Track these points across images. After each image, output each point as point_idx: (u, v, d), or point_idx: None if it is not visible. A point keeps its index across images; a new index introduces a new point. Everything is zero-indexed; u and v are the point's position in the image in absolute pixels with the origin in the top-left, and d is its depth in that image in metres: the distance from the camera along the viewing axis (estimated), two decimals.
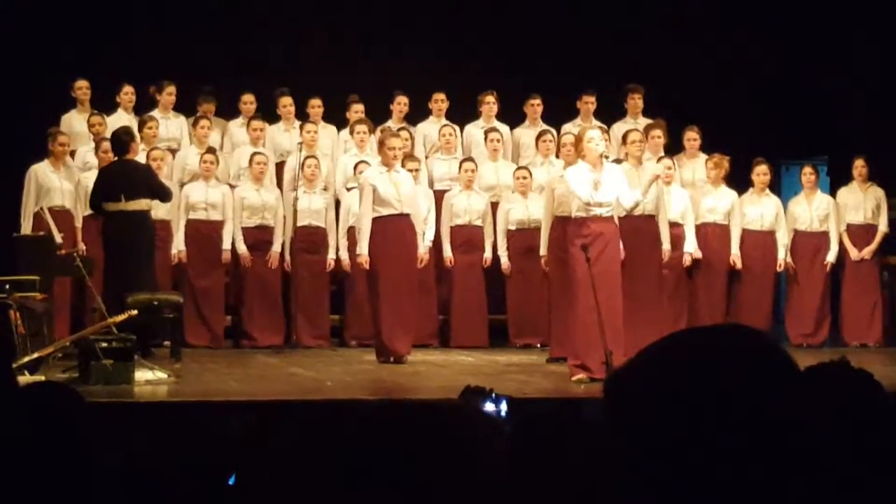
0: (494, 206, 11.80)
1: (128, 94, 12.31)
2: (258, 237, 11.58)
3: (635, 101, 12.62)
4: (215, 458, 3.37)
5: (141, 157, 11.02)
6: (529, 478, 2.20)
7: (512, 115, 12.68)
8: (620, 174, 9.14)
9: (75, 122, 12.07)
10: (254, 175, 11.60)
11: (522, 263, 11.43)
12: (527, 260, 11.27)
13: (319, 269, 11.64)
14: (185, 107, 12.53)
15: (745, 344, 1.67)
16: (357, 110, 12.43)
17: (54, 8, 12.63)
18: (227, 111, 12.64)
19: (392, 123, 12.46)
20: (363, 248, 10.00)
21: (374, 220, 9.98)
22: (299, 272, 11.57)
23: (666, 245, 10.40)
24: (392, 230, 9.97)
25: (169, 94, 12.34)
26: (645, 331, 9.20)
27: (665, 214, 10.46)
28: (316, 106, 12.46)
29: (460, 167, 11.81)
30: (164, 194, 10.46)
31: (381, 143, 10.37)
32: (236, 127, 12.53)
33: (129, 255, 10.03)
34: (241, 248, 11.52)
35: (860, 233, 12.13)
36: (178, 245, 11.45)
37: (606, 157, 9.05)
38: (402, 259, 10.00)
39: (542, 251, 10.23)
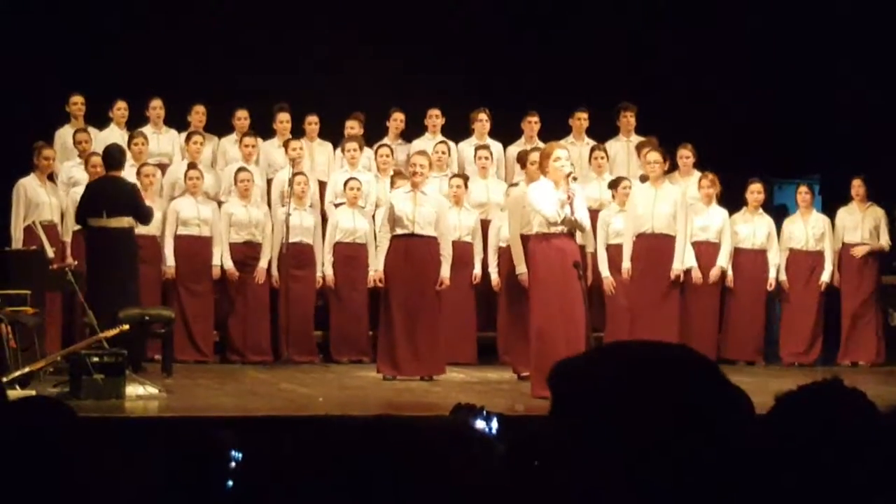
0: (485, 223, 11.79)
1: (120, 109, 12.29)
2: (246, 253, 11.58)
3: (628, 120, 12.64)
4: (207, 473, 3.36)
5: (131, 173, 11.00)
6: (524, 495, 2.20)
7: (505, 133, 12.69)
8: (582, 196, 9.08)
9: (69, 137, 12.05)
10: (239, 192, 11.61)
11: (514, 280, 11.42)
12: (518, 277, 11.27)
13: (307, 285, 11.64)
14: (178, 122, 12.52)
15: (689, 363, 1.76)
16: (351, 126, 12.42)
17: (48, 22, 12.62)
18: (222, 126, 12.61)
19: (388, 140, 12.47)
20: (379, 265, 10.09)
21: (391, 238, 10.03)
22: (287, 288, 11.57)
23: (677, 265, 10.46)
24: (403, 250, 9.99)
25: (154, 108, 12.32)
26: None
27: (684, 232, 10.53)
28: (312, 123, 12.46)
29: (449, 183, 11.80)
30: (144, 216, 10.35)
31: (407, 162, 10.40)
32: (229, 143, 12.51)
33: (111, 271, 9.99)
34: (228, 263, 11.53)
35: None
36: (168, 260, 11.45)
37: (574, 179, 8.95)
38: (412, 279, 9.97)
39: (520, 269, 9.99)
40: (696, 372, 1.78)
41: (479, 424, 3.89)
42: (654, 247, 10.40)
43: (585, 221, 9.03)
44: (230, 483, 3.35)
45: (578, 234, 9.39)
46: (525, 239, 9.47)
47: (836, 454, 2.00)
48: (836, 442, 2.01)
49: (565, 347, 8.45)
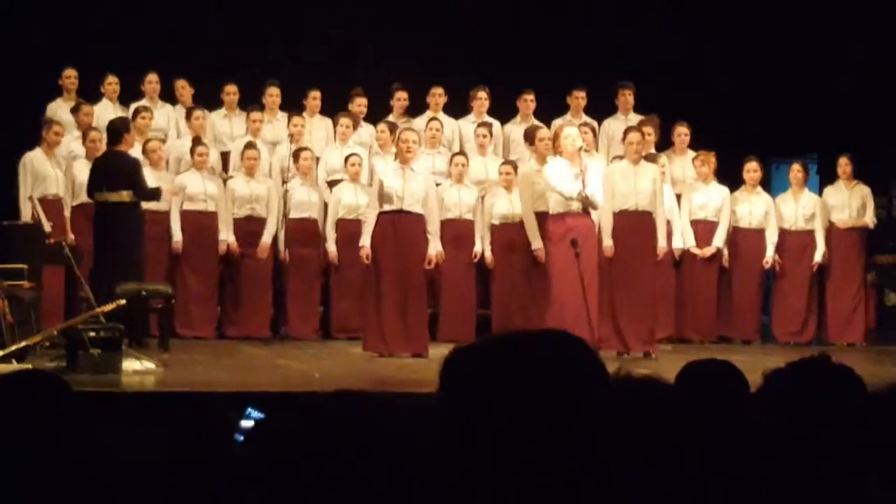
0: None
1: (112, 83, 12.20)
2: (247, 228, 11.58)
3: (626, 98, 12.60)
4: (201, 448, 3.38)
5: (137, 148, 10.99)
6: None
7: (503, 111, 12.67)
8: (598, 170, 9.36)
9: (61, 110, 11.97)
10: (246, 168, 11.59)
11: (506, 258, 11.44)
12: (510, 254, 11.29)
13: (311, 260, 11.65)
14: (172, 97, 12.49)
15: (566, 350, 1.81)
16: (360, 104, 12.38)
17: None
18: (216, 102, 12.55)
19: (393, 118, 12.42)
20: (365, 241, 10.03)
21: (378, 214, 10.00)
22: (291, 264, 11.58)
23: (662, 242, 10.49)
24: (390, 226, 9.95)
25: (150, 82, 12.26)
26: (638, 324, 9.49)
27: (663, 211, 10.52)
28: (315, 97, 12.41)
29: (451, 161, 11.79)
30: (143, 193, 10.33)
31: (396, 138, 10.42)
32: (218, 118, 12.45)
33: (112, 246, 10.03)
34: (231, 238, 11.53)
35: (844, 231, 12.13)
36: (175, 235, 11.45)
37: (586, 151, 9.23)
38: (399, 256, 9.94)
39: (536, 244, 10.47)
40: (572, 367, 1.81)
41: None
42: (638, 223, 10.38)
43: (598, 196, 9.47)
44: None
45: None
46: (540, 216, 9.88)
47: (825, 429, 2.01)
48: (825, 417, 2.02)
49: (576, 323, 8.75)
